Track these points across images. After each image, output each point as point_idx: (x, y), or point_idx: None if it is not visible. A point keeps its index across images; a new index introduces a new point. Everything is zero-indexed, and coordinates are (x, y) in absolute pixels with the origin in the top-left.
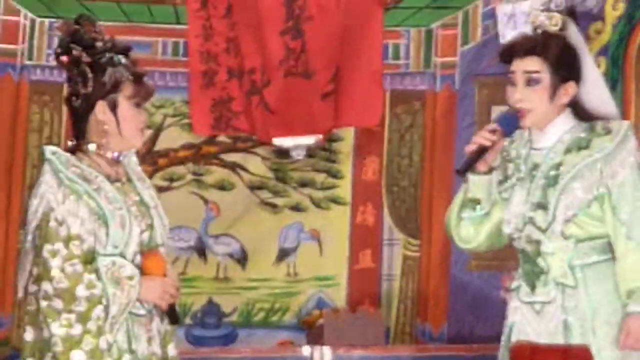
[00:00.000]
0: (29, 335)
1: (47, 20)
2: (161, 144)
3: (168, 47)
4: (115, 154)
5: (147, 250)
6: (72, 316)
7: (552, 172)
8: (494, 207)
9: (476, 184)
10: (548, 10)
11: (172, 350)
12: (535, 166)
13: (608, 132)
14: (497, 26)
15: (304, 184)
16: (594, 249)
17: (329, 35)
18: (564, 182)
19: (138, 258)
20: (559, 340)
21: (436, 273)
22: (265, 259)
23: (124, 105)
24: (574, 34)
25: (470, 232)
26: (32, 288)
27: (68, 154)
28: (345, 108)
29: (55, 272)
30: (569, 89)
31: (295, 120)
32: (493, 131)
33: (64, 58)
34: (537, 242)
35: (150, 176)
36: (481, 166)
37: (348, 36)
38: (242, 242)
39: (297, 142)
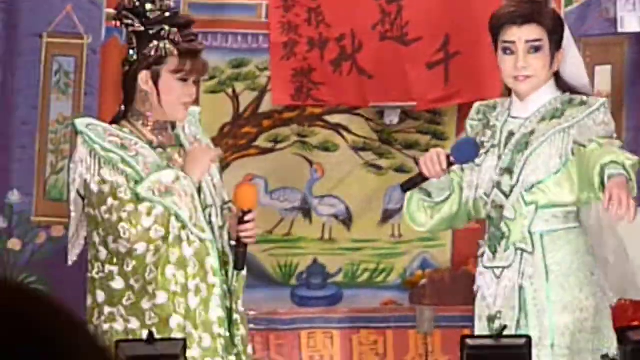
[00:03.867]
0: (99, 297)
1: None
2: (265, 106)
3: None
4: (161, 122)
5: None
6: (159, 242)
7: (523, 139)
8: (448, 200)
9: (427, 183)
10: None
11: (240, 306)
12: (510, 134)
13: (583, 103)
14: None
15: (408, 146)
16: (556, 217)
17: (436, 3)
18: (533, 148)
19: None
20: (514, 304)
21: None
22: (369, 220)
23: (166, 79)
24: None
25: (424, 216)
26: (102, 254)
27: (105, 124)
28: (468, 82)
29: (117, 227)
30: (560, 56)
31: (391, 85)
32: (447, 165)
33: (117, 23)
34: (501, 207)
35: (255, 138)
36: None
37: (466, 6)
38: (347, 203)
39: (391, 108)
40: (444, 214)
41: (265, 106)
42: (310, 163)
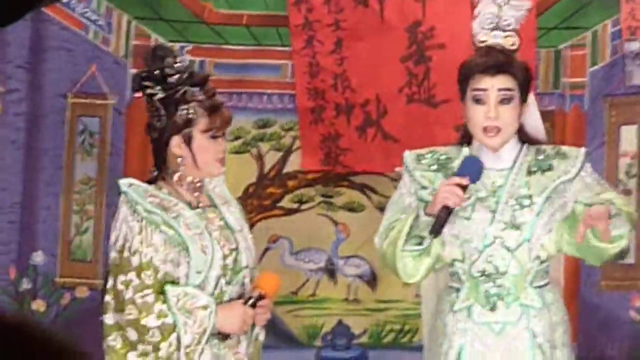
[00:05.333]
0: None
1: (177, 45)
2: (290, 166)
3: None
4: (196, 182)
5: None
6: (149, 347)
7: (521, 193)
8: (433, 244)
9: (427, 226)
10: (499, 29)
11: None
12: (497, 187)
13: (564, 155)
14: (625, 63)
15: None
16: (546, 272)
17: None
18: (539, 205)
19: (222, 282)
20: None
21: (566, 293)
22: (394, 280)
23: (199, 139)
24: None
25: (412, 265)
26: (110, 320)
27: (145, 185)
28: None
29: (126, 305)
30: (525, 109)
31: (418, 148)
32: (463, 187)
33: (138, 94)
34: (503, 262)
35: (280, 198)
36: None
37: None
38: (372, 264)
39: None
40: (432, 257)
41: (290, 166)
42: (336, 223)
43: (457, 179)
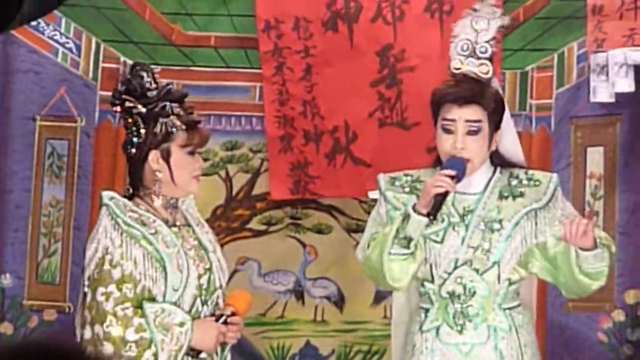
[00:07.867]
0: None
1: None
2: (259, 188)
3: None
4: (172, 200)
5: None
6: None
7: (491, 217)
8: (418, 249)
9: (417, 225)
10: (474, 56)
11: None
12: (467, 211)
13: (536, 181)
14: (590, 78)
15: None
16: (516, 293)
17: (431, 87)
18: (509, 230)
19: (198, 302)
20: None
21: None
22: (362, 301)
23: (177, 154)
24: (494, 82)
25: (399, 269)
26: (87, 334)
27: (125, 199)
28: None
29: (107, 316)
30: (497, 138)
31: (392, 171)
32: (451, 177)
33: (117, 108)
34: (471, 284)
35: (248, 220)
36: (423, 208)
37: None
38: (340, 285)
39: None
40: (417, 263)
41: (259, 188)
42: (304, 245)
43: (445, 171)
